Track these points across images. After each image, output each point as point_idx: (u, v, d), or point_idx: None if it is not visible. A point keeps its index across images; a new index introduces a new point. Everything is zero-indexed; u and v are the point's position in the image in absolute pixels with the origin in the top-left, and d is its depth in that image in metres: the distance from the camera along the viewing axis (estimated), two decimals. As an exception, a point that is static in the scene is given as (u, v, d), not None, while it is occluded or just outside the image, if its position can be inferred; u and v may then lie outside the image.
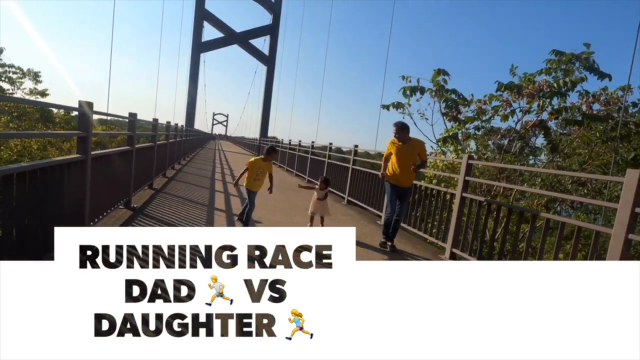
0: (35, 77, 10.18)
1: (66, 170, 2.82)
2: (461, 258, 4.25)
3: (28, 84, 10.05)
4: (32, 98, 10.23)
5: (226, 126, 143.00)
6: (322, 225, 4.74)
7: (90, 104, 3.20)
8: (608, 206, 3.23)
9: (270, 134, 39.69)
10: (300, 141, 13.35)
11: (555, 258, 3.07)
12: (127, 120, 5.02)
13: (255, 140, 33.34)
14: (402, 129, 4.28)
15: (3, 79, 9.60)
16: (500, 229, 4.35)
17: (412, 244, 4.90)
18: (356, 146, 7.58)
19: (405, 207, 4.48)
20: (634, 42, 4.37)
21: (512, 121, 6.39)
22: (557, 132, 6.84)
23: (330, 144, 9.63)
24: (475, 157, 5.51)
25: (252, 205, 4.32)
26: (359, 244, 4.56)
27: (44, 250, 2.57)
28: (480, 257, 3.95)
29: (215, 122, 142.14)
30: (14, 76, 9.73)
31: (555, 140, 6.26)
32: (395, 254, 4.32)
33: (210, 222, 4.76)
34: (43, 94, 10.73)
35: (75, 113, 3.22)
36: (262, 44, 42.85)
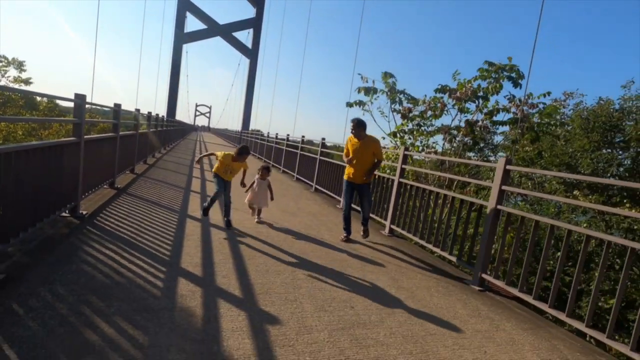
0: (20, 65, 10.48)
1: (65, 150, 3.51)
2: (399, 233, 5.12)
3: (12, 72, 10.38)
4: (17, 86, 10.58)
5: (209, 118, 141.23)
6: (259, 217, 4.74)
7: (83, 97, 3.88)
8: (485, 184, 4.21)
9: (252, 126, 40.07)
10: (277, 134, 14.08)
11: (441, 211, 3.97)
12: (111, 109, 5.66)
13: (237, 132, 33.69)
14: (358, 125, 4.30)
15: None
16: (429, 207, 5.24)
17: (355, 218, 5.76)
18: (323, 139, 8.38)
19: (368, 202, 4.48)
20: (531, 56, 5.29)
21: (457, 119, 7.34)
22: (490, 130, 7.82)
23: (303, 136, 10.39)
24: (410, 149, 6.37)
25: (219, 193, 4.20)
26: (319, 221, 5.37)
27: (48, 213, 3.27)
28: (410, 231, 4.81)
29: (197, 113, 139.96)
30: (-1, 64, 10.09)
31: (477, 137, 7.27)
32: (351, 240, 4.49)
33: (185, 201, 5.47)
34: (27, 82, 11.03)
35: (59, 102, 3.90)
36: (245, 37, 43.03)
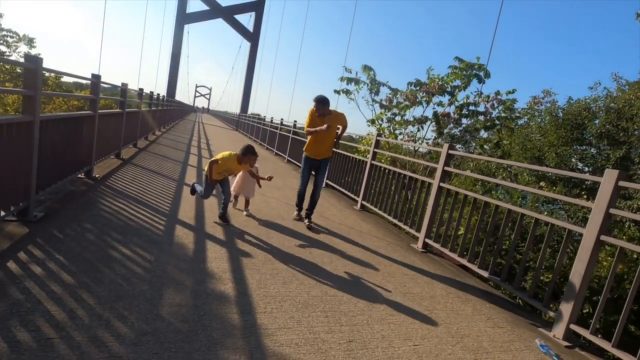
0: (30, 42, 10.98)
1: (84, 121, 4.21)
2: (368, 207, 5.88)
3: (23, 48, 10.88)
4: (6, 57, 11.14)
5: (209, 99, 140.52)
6: (247, 207, 4.31)
7: (98, 76, 4.56)
8: (428, 164, 5.00)
9: (251, 109, 40.49)
10: (272, 118, 14.72)
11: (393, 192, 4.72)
12: (119, 88, 6.32)
13: (236, 115, 34.16)
14: (322, 103, 4.11)
15: (1, 42, 10.41)
16: (397, 188, 6.00)
17: (336, 197, 6.52)
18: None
19: (321, 180, 4.37)
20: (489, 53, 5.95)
21: (430, 110, 8.08)
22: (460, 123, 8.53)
23: (295, 122, 11.06)
24: (385, 135, 7.08)
25: (205, 196, 3.83)
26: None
27: (70, 172, 3.99)
28: (379, 206, 5.56)
29: (197, 94, 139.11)
30: (11, 40, 10.56)
31: (442, 128, 8.00)
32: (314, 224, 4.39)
33: (183, 172, 6.20)
34: (38, 57, 11.57)
35: (65, 78, 4.57)
36: (247, 20, 42.99)
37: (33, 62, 2.79)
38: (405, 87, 8.49)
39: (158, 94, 12.26)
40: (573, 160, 8.89)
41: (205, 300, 2.25)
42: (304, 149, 4.45)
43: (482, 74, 7.22)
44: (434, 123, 8.51)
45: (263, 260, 3.04)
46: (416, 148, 8.40)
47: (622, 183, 2.53)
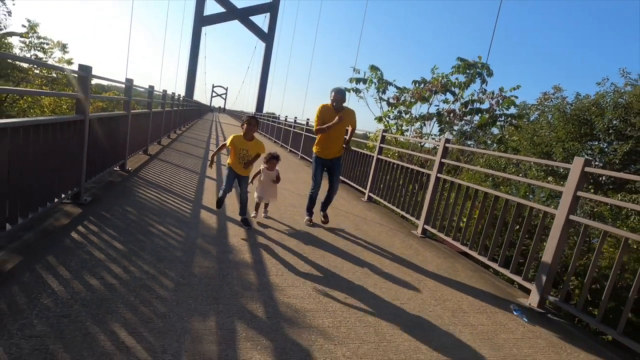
0: (63, 47, 11.91)
1: (120, 120, 4.79)
2: (374, 199, 6.29)
3: (58, 53, 11.82)
4: (60, 65, 12.05)
5: (225, 99, 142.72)
6: (266, 211, 4.18)
7: (131, 80, 5.14)
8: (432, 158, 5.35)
9: (266, 108, 41.26)
10: (286, 117, 15.26)
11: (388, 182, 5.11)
12: (146, 90, 6.92)
13: (251, 114, 34.77)
14: (341, 94, 3.95)
15: (38, 49, 11.35)
16: (405, 181, 6.39)
17: (345, 190, 6.95)
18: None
19: (337, 181, 4.17)
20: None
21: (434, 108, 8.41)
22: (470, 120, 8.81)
23: (308, 119, 11.53)
24: (393, 132, 7.46)
25: (226, 191, 3.60)
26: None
27: (109, 165, 4.56)
28: (384, 198, 5.96)
29: (214, 94, 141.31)
30: (46, 47, 11.49)
31: (444, 124, 8.29)
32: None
33: (204, 166, 6.76)
34: (69, 62, 12.52)
35: (93, 80, 5.13)
36: (262, 20, 43.74)
37: (85, 71, 3.35)
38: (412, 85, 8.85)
39: (179, 95, 12.94)
40: (583, 155, 9.01)
41: (228, 265, 2.74)
42: (313, 148, 4.18)
43: (484, 72, 7.51)
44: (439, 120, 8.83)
45: (276, 238, 3.52)
46: (422, 144, 8.75)
47: (587, 169, 2.89)
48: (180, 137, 11.67)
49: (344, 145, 4.12)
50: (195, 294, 2.24)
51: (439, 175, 4.64)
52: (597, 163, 9.25)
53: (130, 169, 5.32)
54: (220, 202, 3.73)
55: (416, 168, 5.11)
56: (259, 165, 3.98)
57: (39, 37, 11.29)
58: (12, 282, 2.02)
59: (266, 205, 4.19)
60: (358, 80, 8.71)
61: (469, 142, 11.40)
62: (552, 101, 11.12)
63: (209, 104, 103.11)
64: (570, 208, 2.92)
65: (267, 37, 41.94)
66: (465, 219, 4.18)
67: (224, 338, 1.88)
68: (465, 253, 4.00)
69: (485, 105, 7.83)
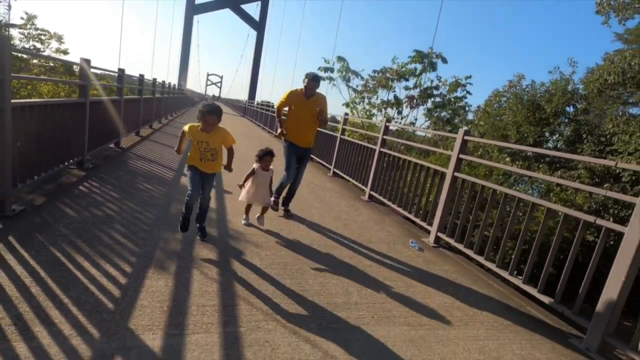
0: (59, 38, 12.63)
1: (115, 104, 5.68)
2: (377, 198, 7.24)
3: (54, 44, 12.54)
4: (58, 55, 12.81)
5: (220, 87, 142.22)
6: (262, 216, 3.51)
7: (123, 70, 6.00)
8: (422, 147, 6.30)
9: (259, 96, 41.84)
10: (269, 101, 16.13)
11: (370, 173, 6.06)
12: (137, 79, 7.77)
13: (243, 102, 35.49)
14: (316, 80, 3.82)
15: (36, 40, 12.07)
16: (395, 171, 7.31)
17: (340, 183, 7.90)
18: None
19: (303, 170, 4.03)
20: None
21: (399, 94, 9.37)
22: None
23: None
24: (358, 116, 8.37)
25: (193, 196, 2.80)
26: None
27: (105, 142, 5.46)
28: (344, 171, 6.90)
29: (209, 82, 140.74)
30: (44, 38, 12.21)
31: (400, 107, 9.25)
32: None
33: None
34: (65, 52, 13.27)
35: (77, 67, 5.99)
36: (254, 9, 43.94)
37: (86, 62, 4.24)
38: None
39: (169, 83, 13.72)
40: (536, 137, 10.01)
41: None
42: (284, 132, 3.88)
43: (438, 61, 8.42)
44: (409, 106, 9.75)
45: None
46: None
47: (466, 137, 3.85)
48: (172, 122, 12.53)
49: (321, 125, 3.96)
50: (168, 222, 3.20)
51: (381, 149, 5.59)
52: (548, 145, 10.25)
53: (124, 146, 6.23)
54: (187, 214, 2.82)
55: (363, 144, 6.07)
56: (242, 164, 3.49)
57: (36, 29, 12.02)
58: (42, 210, 2.97)
59: (263, 209, 3.51)
60: (326, 70, 9.62)
61: (448, 128, 12.39)
62: (515, 88, 12.05)
63: (204, 93, 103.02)
64: (455, 167, 3.89)
65: (259, 26, 42.32)
66: (398, 182, 5.15)
67: (185, 243, 2.85)
68: (401, 214, 4.99)
69: (444, 91, 8.75)
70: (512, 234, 3.45)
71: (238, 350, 1.75)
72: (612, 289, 2.27)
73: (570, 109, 9.60)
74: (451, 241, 3.78)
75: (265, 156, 3.37)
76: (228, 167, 2.92)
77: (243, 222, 3.49)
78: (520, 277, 2.98)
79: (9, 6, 11.33)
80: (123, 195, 3.71)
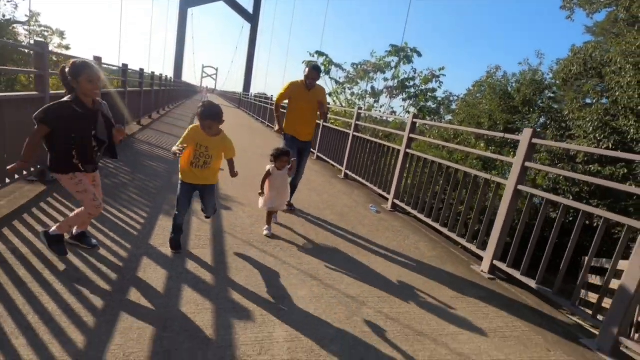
0: (61, 34, 13.26)
1: (119, 95, 6.45)
2: (351, 176, 8.05)
3: (56, 40, 13.15)
4: (59, 51, 13.45)
5: (215, 80, 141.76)
6: (276, 216, 3.47)
7: (126, 65, 6.76)
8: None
9: (253, 87, 42.30)
10: (271, 96, 16.83)
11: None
12: (136, 72, 8.50)
13: (238, 95, 35.99)
14: (318, 70, 3.73)
15: (40, 36, 12.69)
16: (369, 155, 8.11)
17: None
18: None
19: (305, 164, 3.97)
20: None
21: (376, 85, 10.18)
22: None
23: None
24: (340, 106, 9.16)
25: (181, 213, 2.57)
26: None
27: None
28: (361, 175, 7.71)
29: (204, 74, 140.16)
30: (47, 34, 12.84)
31: (377, 96, 10.07)
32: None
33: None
34: (67, 47, 13.90)
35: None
36: (248, 1, 44.12)
37: (98, 60, 5.01)
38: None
39: (166, 76, 14.39)
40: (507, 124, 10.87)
41: (194, 180, 4.51)
42: (283, 127, 3.83)
43: (414, 55, 9.19)
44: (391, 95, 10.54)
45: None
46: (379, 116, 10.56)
47: (415, 120, 4.67)
48: (169, 113, 13.27)
49: (323, 118, 3.98)
50: (171, 188, 4.02)
51: (354, 134, 6.41)
52: (518, 131, 11.10)
53: (128, 133, 7.01)
54: (175, 235, 2.55)
55: (340, 129, 6.89)
56: (257, 166, 3.41)
57: (40, 26, 12.64)
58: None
59: (275, 214, 3.45)
60: (308, 63, 10.37)
61: (428, 118, 13.20)
62: (492, 79, 12.84)
63: (199, 85, 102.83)
64: (406, 145, 4.72)
65: (253, 18, 42.61)
66: (366, 161, 5.97)
67: (186, 202, 3.67)
68: (369, 188, 5.83)
69: (419, 82, 9.55)
70: (451, 198, 4.30)
71: (224, 263, 2.59)
72: (395, 177, 3.13)
73: (539, 98, 10.43)
74: (403, 205, 4.63)
75: (282, 156, 3.07)
76: (233, 174, 2.66)
77: (265, 232, 3.12)
78: (445, 227, 3.84)
79: (16, 5, 11.97)
80: (133, 169, 4.52)
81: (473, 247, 3.42)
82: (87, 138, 2.15)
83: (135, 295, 1.98)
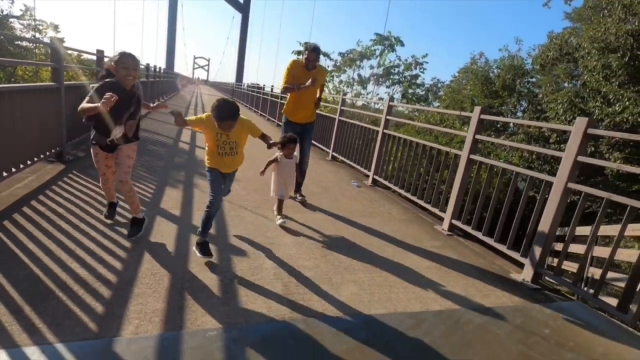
0: (55, 27, 13.48)
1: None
2: (337, 158, 8.55)
3: (51, 33, 13.33)
4: (46, 40, 13.74)
5: (207, 70, 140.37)
6: (281, 206, 3.25)
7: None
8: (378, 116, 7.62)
9: (247, 77, 42.28)
10: (264, 86, 17.16)
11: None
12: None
13: (231, 85, 36.11)
14: (317, 52, 3.66)
15: (35, 30, 12.90)
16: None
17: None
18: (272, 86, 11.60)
19: (308, 149, 3.89)
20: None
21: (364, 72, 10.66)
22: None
23: (272, 86, 13.55)
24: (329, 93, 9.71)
25: (215, 202, 2.37)
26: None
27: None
28: (346, 156, 8.22)
29: (196, 65, 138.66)
30: (41, 27, 13.04)
31: (364, 84, 10.59)
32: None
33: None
34: (62, 40, 14.10)
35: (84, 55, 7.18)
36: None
37: (100, 52, 5.45)
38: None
39: (160, 68, 14.69)
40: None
41: (194, 160, 5.03)
42: (283, 111, 3.85)
43: (397, 44, 9.69)
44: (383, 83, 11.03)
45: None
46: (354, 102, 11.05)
47: (391, 103, 5.20)
48: (165, 102, 13.65)
49: (315, 106, 3.81)
50: (173, 167, 4.54)
51: (340, 118, 6.92)
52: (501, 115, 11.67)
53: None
54: (204, 231, 2.37)
55: (324, 114, 7.40)
56: (251, 147, 3.02)
57: (35, 20, 12.82)
58: (84, 159, 4.27)
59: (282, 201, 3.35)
60: (299, 53, 10.82)
61: (420, 104, 13.72)
62: (476, 65, 13.34)
63: (191, 76, 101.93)
64: (383, 126, 5.25)
65: (243, 8, 42.39)
66: (350, 142, 6.50)
67: (187, 175, 4.20)
68: (353, 167, 6.37)
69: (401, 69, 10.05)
70: (426, 174, 4.86)
71: (224, 220, 3.12)
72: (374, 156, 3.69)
73: (518, 83, 10.97)
74: (382, 180, 5.19)
75: (289, 143, 3.10)
76: (269, 145, 2.55)
77: (279, 221, 3.11)
78: (415, 196, 4.41)
79: (12, 0, 12.13)
80: (138, 152, 5.01)
81: (436, 210, 4.00)
82: (115, 116, 2.29)
83: (154, 238, 2.52)
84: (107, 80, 2.36)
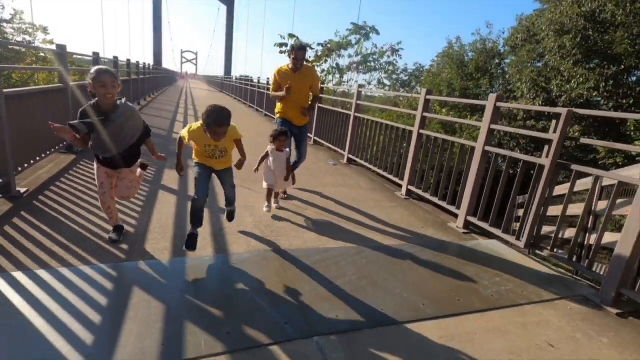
0: (44, 30, 13.75)
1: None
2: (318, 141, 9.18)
3: (40, 35, 13.65)
4: (44, 46, 14.07)
5: (196, 64, 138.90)
6: (278, 199, 3.54)
7: (117, 57, 7.71)
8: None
9: (240, 71, 42.31)
10: (252, 78, 17.58)
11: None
12: (125, 63, 9.40)
13: (220, 78, 36.27)
14: (304, 49, 3.63)
15: (26, 33, 13.21)
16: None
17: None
18: (268, 78, 12.13)
19: (305, 147, 3.88)
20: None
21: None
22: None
23: (269, 78, 14.02)
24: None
25: (199, 198, 2.47)
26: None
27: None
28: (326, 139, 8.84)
29: (184, 60, 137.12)
30: (31, 30, 13.32)
31: (343, 73, 11.17)
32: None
33: (175, 114, 9.45)
34: (51, 42, 14.40)
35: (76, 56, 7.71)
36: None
37: (95, 54, 6.00)
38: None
39: (148, 64, 15.12)
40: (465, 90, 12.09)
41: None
42: (276, 111, 3.81)
43: (372, 32, 10.25)
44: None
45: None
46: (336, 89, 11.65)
47: (359, 89, 5.84)
48: (155, 99, 14.14)
49: (309, 104, 3.78)
50: (170, 155, 5.16)
51: (319, 106, 7.54)
52: (476, 97, 12.35)
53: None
54: (194, 226, 2.47)
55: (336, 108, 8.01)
56: (260, 149, 3.35)
57: (24, 23, 13.13)
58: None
59: (277, 194, 3.56)
60: (281, 45, 11.34)
61: (402, 90, 14.31)
62: (453, 49, 13.93)
63: (180, 71, 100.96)
64: (355, 110, 5.89)
65: (228, 0, 42.18)
66: (327, 126, 7.15)
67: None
68: (332, 149, 7.03)
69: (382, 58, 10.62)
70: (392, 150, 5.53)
71: (215, 194, 3.79)
72: (348, 138, 4.39)
73: (490, 65, 11.61)
74: (355, 158, 5.86)
75: (280, 136, 3.22)
76: (239, 165, 2.63)
77: (265, 209, 3.30)
78: (381, 169, 5.09)
79: (2, 6, 12.38)
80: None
81: (397, 179, 4.70)
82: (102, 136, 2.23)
83: (159, 204, 3.19)
84: (86, 106, 2.18)
